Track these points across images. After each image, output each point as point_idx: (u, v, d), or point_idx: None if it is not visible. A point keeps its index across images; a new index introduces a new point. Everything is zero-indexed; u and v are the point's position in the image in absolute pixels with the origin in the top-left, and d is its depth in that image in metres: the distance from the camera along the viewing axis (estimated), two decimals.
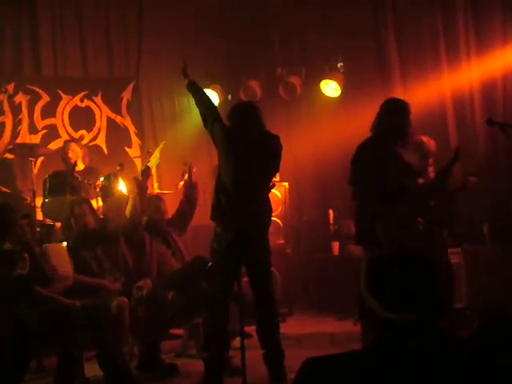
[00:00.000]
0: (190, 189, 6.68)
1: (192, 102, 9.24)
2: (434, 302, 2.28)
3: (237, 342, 4.91)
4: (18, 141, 8.43)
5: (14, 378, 4.82)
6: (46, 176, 7.26)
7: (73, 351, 5.04)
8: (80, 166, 7.85)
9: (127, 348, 5.98)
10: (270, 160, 5.31)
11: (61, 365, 5.05)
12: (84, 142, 8.81)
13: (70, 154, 7.87)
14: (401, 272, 2.26)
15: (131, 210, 6.12)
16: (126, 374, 5.24)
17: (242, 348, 4.34)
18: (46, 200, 7.12)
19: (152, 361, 5.89)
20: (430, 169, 6.47)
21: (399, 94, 8.33)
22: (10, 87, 8.39)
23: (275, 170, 5.45)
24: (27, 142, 8.39)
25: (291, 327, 7.32)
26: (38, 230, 6.97)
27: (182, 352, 6.37)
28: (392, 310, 2.22)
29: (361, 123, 8.22)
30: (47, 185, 7.15)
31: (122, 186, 7.07)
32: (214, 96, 9.08)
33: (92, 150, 8.60)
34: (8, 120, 8.46)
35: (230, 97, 9.30)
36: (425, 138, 6.53)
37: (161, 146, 6.86)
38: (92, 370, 5.45)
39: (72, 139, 8.55)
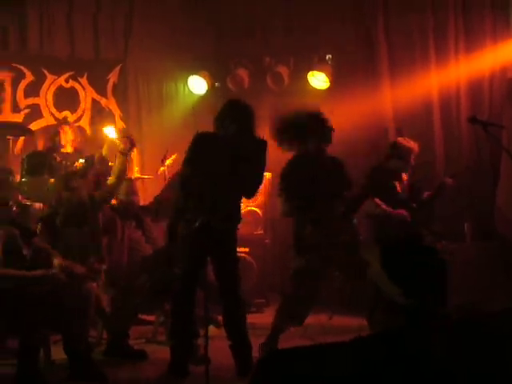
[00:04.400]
0: None
1: (180, 87, 9.33)
2: (445, 291, 2.34)
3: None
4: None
5: None
6: (24, 155, 7.19)
7: (37, 333, 4.99)
8: (68, 149, 7.79)
9: (96, 333, 5.93)
10: (254, 171, 5.20)
11: (24, 347, 4.99)
12: None
13: (61, 136, 7.82)
14: (420, 259, 2.33)
15: (120, 166, 6.00)
16: (88, 361, 5.17)
17: (206, 337, 4.30)
18: (24, 180, 7.04)
19: (120, 346, 5.85)
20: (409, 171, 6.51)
21: (386, 88, 8.30)
22: None
23: (259, 181, 5.33)
24: (9, 120, 8.29)
25: (267, 317, 7.27)
26: (15, 209, 6.88)
27: (152, 338, 6.34)
28: (411, 295, 2.27)
29: (346, 116, 8.26)
30: (25, 164, 7.07)
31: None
32: (201, 83, 9.02)
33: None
34: None
35: (217, 84, 9.22)
36: (400, 139, 6.51)
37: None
38: (58, 352, 5.43)
39: (62, 122, 8.42)
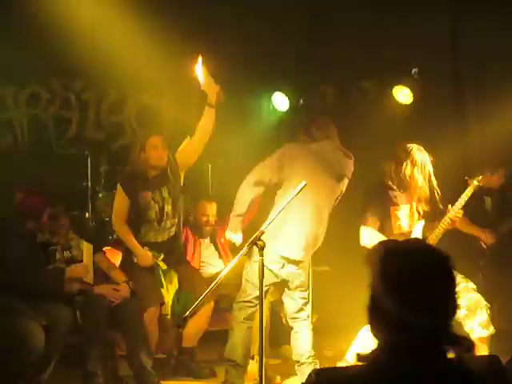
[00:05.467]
0: None
1: (261, 103, 9.11)
2: (453, 308, 2.00)
3: None
4: (84, 137, 8.36)
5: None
6: (102, 171, 7.20)
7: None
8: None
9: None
10: None
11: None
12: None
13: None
14: (422, 268, 1.97)
15: (207, 122, 5.37)
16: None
17: None
18: (100, 195, 7.07)
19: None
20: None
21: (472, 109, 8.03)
22: (79, 84, 8.37)
23: None
24: (92, 138, 8.33)
25: None
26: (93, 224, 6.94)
27: None
28: (410, 310, 1.92)
29: (429, 132, 7.96)
30: (102, 180, 7.10)
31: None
32: (284, 99, 8.82)
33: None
34: (74, 116, 8.39)
35: (301, 101, 9.00)
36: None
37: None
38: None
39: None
